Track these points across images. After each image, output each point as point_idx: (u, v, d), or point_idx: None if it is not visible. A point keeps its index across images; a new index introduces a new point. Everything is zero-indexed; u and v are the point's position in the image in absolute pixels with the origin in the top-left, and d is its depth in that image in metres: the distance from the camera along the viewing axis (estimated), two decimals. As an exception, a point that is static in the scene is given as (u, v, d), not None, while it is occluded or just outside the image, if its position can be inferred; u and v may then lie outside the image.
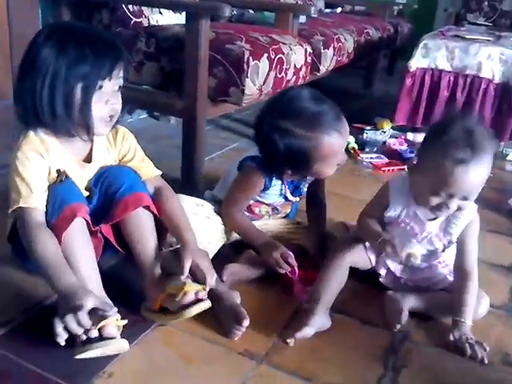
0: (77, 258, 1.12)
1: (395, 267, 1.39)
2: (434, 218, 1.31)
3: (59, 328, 1.01)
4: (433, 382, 1.14)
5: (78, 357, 1.04)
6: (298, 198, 1.54)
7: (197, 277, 1.21)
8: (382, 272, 1.40)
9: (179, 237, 1.26)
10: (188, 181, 1.90)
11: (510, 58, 2.58)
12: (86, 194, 1.27)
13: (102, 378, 1.06)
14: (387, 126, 2.82)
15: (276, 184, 1.45)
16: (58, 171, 1.20)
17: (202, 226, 1.40)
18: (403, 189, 1.32)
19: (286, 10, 2.41)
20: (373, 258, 1.39)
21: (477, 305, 1.29)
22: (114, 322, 1.08)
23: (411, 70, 2.69)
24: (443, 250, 1.35)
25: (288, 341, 1.18)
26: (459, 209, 1.23)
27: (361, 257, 1.37)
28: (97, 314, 1.03)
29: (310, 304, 1.25)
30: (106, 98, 1.15)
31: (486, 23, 4.43)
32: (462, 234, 1.31)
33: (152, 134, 2.55)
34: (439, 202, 1.21)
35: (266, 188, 1.44)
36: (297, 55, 2.12)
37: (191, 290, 1.17)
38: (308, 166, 1.33)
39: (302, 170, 1.37)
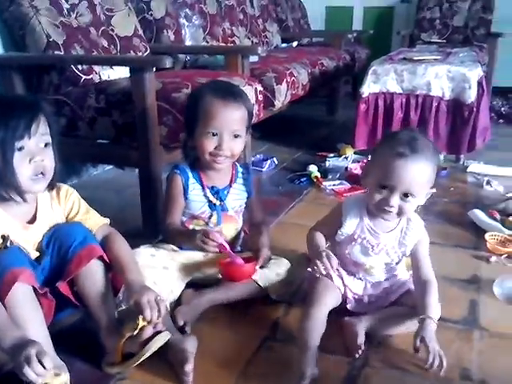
0: (23, 322, 1.13)
1: (358, 287, 1.43)
2: (390, 231, 1.37)
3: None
4: (393, 405, 1.15)
5: None
6: (219, 202, 1.57)
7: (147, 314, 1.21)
8: (350, 296, 1.42)
9: (125, 278, 1.29)
10: (149, 226, 1.91)
11: (457, 75, 2.66)
12: (35, 255, 1.29)
13: None
14: (349, 151, 2.87)
15: (196, 188, 1.55)
16: (3, 237, 1.21)
17: (161, 278, 1.43)
18: (357, 205, 1.40)
19: (235, 52, 2.49)
20: (341, 287, 1.41)
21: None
22: (58, 381, 1.09)
23: (364, 96, 2.77)
24: (397, 263, 1.42)
25: None
26: (400, 210, 1.29)
27: (335, 295, 1.39)
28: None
29: (299, 354, 1.23)
30: (30, 157, 1.19)
31: (440, 40, 4.58)
32: (414, 249, 1.39)
33: (117, 184, 2.55)
34: (381, 198, 1.29)
35: (186, 191, 1.54)
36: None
37: (147, 324, 1.19)
38: (194, 129, 1.49)
39: (192, 134, 1.50)
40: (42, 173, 1.22)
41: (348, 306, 1.42)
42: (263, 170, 2.77)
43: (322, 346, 1.28)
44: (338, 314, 1.39)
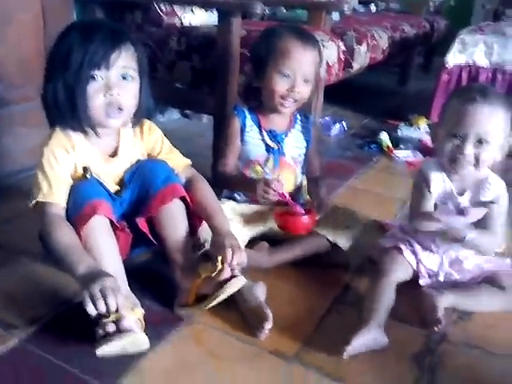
0: (98, 254, 1.12)
1: (433, 262, 1.36)
2: (463, 193, 1.31)
3: (89, 303, 1.02)
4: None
5: (98, 353, 1.02)
6: (277, 146, 1.52)
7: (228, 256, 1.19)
8: (423, 271, 1.36)
9: (211, 223, 1.27)
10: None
11: (551, 52, 2.49)
12: (115, 188, 1.28)
13: (131, 376, 1.05)
14: (423, 122, 2.75)
15: (253, 130, 1.52)
16: (84, 168, 1.21)
17: None
18: (435, 164, 1.34)
19: (319, 7, 2.38)
20: (413, 262, 1.36)
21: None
22: (133, 315, 1.08)
23: (447, 66, 2.62)
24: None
25: (345, 353, 1.10)
26: (477, 160, 1.24)
27: (404, 269, 1.34)
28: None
29: (361, 320, 1.19)
30: (105, 89, 1.13)
31: (527, 18, 4.30)
32: (489, 207, 1.30)
33: (184, 133, 2.55)
34: (454, 147, 1.24)
35: (242, 133, 1.51)
36: (329, 51, 2.09)
37: (227, 267, 1.17)
38: (264, 68, 1.44)
39: (261, 73, 1.45)
40: (119, 108, 1.16)
41: (420, 282, 1.36)
42: (331, 134, 2.69)
43: (397, 316, 1.25)
44: (416, 286, 1.34)
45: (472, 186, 1.31)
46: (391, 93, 3.78)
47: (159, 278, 1.33)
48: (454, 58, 2.62)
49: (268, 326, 1.15)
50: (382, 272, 1.30)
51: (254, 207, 1.53)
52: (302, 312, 1.28)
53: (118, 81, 1.15)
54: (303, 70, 1.43)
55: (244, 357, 1.13)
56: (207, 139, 2.01)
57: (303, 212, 1.41)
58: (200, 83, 1.90)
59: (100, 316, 1.04)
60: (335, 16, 2.59)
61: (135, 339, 1.04)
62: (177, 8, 2.08)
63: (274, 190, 1.38)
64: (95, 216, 1.12)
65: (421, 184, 1.34)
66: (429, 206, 1.32)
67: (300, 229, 1.41)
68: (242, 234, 1.45)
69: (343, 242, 1.46)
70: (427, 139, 2.55)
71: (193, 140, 2.44)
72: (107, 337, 1.02)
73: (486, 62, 2.59)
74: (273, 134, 1.53)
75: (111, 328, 1.03)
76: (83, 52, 1.09)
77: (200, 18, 2.18)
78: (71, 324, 1.15)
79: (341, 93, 3.15)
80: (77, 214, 1.13)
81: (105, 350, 1.02)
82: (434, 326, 1.21)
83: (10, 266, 1.38)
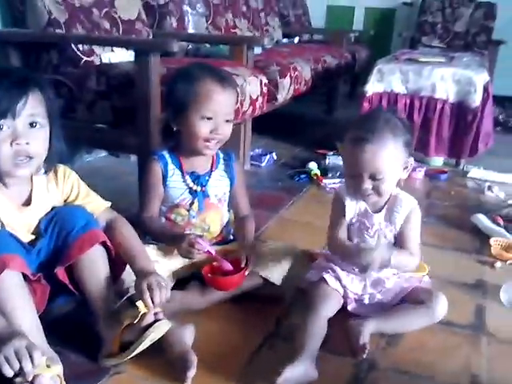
0: (10, 311, 1.06)
1: (357, 286, 1.39)
2: (379, 211, 1.37)
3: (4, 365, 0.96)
4: (401, 410, 1.11)
5: None
6: (200, 188, 1.51)
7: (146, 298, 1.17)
8: (351, 296, 1.38)
9: (133, 267, 1.24)
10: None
11: (463, 78, 2.63)
12: (30, 238, 1.22)
13: None
14: (349, 150, 2.82)
15: (175, 174, 1.50)
16: None
17: None
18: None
19: (240, 42, 2.43)
20: (340, 289, 1.37)
21: (434, 304, 1.31)
22: (49, 372, 1.02)
23: (367, 95, 2.72)
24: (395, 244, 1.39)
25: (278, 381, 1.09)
26: (377, 192, 1.30)
27: (332, 301, 1.35)
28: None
29: (293, 353, 1.18)
30: (12, 139, 1.09)
31: (441, 45, 4.56)
32: (402, 226, 1.37)
33: (112, 171, 2.51)
34: (354, 185, 1.31)
35: (165, 178, 1.49)
36: (251, 86, 2.12)
37: (149, 311, 1.15)
38: (184, 113, 1.42)
39: (180, 118, 1.43)
40: (28, 156, 1.12)
41: (349, 308, 1.38)
42: (262, 165, 2.72)
43: (327, 347, 1.25)
44: (344, 315, 1.34)
45: (386, 205, 1.38)
46: (320, 122, 3.87)
47: (83, 329, 1.27)
48: (373, 86, 2.72)
49: (191, 373, 1.12)
50: (311, 307, 1.30)
51: None
52: (233, 349, 1.26)
53: (25, 129, 1.11)
54: (224, 111, 1.43)
55: (171, 405, 1.09)
56: (135, 177, 1.98)
57: (231, 268, 1.40)
58: (122, 123, 1.87)
59: (17, 376, 0.98)
60: (257, 50, 2.63)
61: None
62: (95, 47, 2.05)
63: (199, 250, 1.37)
64: (6, 271, 1.06)
65: (337, 208, 1.42)
66: (342, 229, 1.40)
67: (229, 288, 1.40)
68: (170, 264, 1.44)
69: (275, 276, 1.45)
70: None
71: (120, 178, 2.39)
72: None
73: (402, 89, 2.71)
74: (196, 177, 1.51)
75: None
76: None
77: (121, 56, 2.15)
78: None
79: (271, 124, 3.20)
80: None
81: None
82: (360, 354, 1.21)
83: None
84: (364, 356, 1.21)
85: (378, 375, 1.19)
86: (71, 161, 2.56)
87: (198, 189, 1.51)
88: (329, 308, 1.32)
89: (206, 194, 1.52)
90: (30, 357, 0.96)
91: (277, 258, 1.49)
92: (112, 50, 2.14)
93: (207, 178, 1.53)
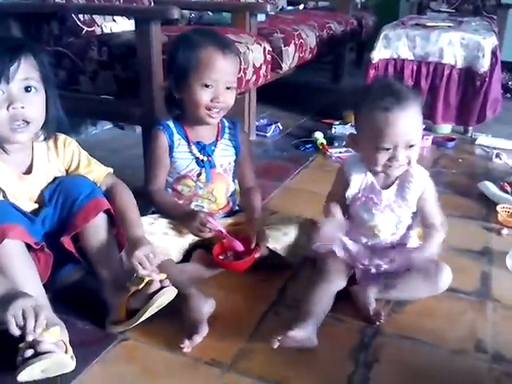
0: (14, 279, 1.07)
1: (363, 256, 1.37)
2: (388, 187, 1.33)
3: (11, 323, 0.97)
4: (405, 375, 1.11)
5: (20, 378, 0.98)
6: (207, 158, 1.49)
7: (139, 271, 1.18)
8: (358, 267, 1.37)
9: (126, 233, 1.24)
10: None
11: (470, 43, 2.58)
12: (33, 207, 1.23)
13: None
14: (355, 119, 2.80)
15: (181, 144, 1.48)
16: None
17: (161, 243, 1.36)
18: (358, 162, 1.35)
19: (242, 9, 2.38)
20: (348, 260, 1.36)
21: (438, 276, 1.30)
22: (52, 337, 1.04)
23: (374, 62, 2.68)
24: (408, 228, 1.37)
25: (275, 342, 1.10)
26: (409, 161, 1.26)
27: (342, 274, 1.33)
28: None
29: (299, 315, 1.19)
30: (7, 103, 1.10)
31: (449, 10, 4.46)
32: (419, 203, 1.33)
33: (117, 144, 2.50)
34: (387, 158, 1.24)
35: (171, 149, 1.47)
36: (255, 54, 2.09)
37: (155, 278, 1.16)
38: (185, 80, 1.39)
39: (182, 85, 1.41)
40: (24, 121, 1.13)
41: (356, 277, 1.37)
42: (267, 135, 2.70)
43: (332, 314, 1.26)
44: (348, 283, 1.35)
45: (397, 181, 1.33)
46: (326, 90, 3.82)
47: (90, 297, 1.28)
48: (379, 53, 2.68)
49: (196, 339, 1.14)
50: (321, 279, 1.30)
51: None
52: (239, 316, 1.28)
53: (20, 93, 1.12)
54: (225, 78, 1.40)
55: (179, 370, 1.11)
56: (140, 150, 1.97)
57: (242, 248, 1.40)
58: (125, 93, 1.85)
59: (23, 339, 1.00)
60: (260, 17, 2.58)
61: (56, 360, 1.00)
62: (96, 17, 2.03)
63: (210, 229, 1.37)
64: (6, 240, 1.07)
65: (338, 181, 1.40)
66: (334, 203, 1.35)
67: (240, 270, 1.40)
68: (179, 241, 1.43)
69: (281, 247, 1.45)
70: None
71: (126, 151, 2.39)
72: (25, 362, 0.98)
73: (409, 55, 2.66)
74: (202, 146, 1.49)
75: (29, 353, 0.99)
76: None
77: (122, 25, 2.13)
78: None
79: (276, 94, 3.18)
80: None
81: (24, 375, 0.98)
82: (375, 321, 1.23)
83: None
84: (378, 323, 1.23)
85: (384, 341, 1.20)
86: (76, 132, 2.56)
87: (205, 159, 1.49)
88: (339, 282, 1.32)
89: (212, 164, 1.51)
90: (36, 317, 0.98)
91: (283, 228, 1.48)
92: (113, 20, 2.12)
93: (213, 147, 1.51)
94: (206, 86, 1.39)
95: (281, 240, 1.46)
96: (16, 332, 0.98)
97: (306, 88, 3.85)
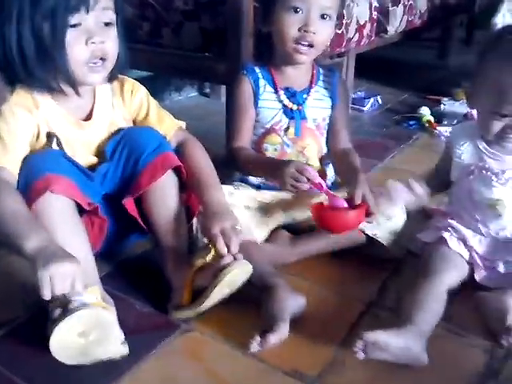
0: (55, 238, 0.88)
1: (485, 246, 1.12)
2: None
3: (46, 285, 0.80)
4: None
5: (52, 348, 0.81)
6: (297, 107, 1.26)
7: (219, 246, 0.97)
8: (478, 261, 1.11)
9: (200, 197, 1.05)
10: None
11: None
12: (92, 160, 1.06)
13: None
14: (468, 95, 2.46)
15: (267, 91, 1.26)
16: (48, 135, 0.98)
17: (242, 218, 1.12)
18: (467, 130, 1.17)
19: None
20: (464, 253, 1.10)
21: None
22: (90, 294, 0.86)
23: (496, 28, 2.32)
24: None
25: (356, 346, 0.87)
26: None
27: (457, 267, 1.09)
28: None
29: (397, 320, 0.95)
30: (86, 37, 0.93)
31: None
32: None
33: (202, 111, 2.38)
34: (503, 126, 1.04)
35: (256, 96, 1.26)
36: (360, 8, 1.83)
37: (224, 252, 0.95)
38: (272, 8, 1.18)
39: (269, 15, 1.19)
40: (101, 58, 0.96)
41: (476, 277, 1.10)
42: (364, 109, 2.44)
43: (449, 324, 0.99)
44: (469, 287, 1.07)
45: None
46: (431, 67, 3.48)
47: (154, 275, 1.10)
48: (504, 18, 2.33)
49: (271, 339, 0.90)
50: (427, 275, 1.05)
51: (274, 194, 1.26)
52: (329, 319, 1.03)
53: (99, 26, 0.95)
54: (319, 1, 1.15)
55: (250, 377, 0.88)
56: (225, 117, 1.80)
57: (346, 206, 1.13)
58: (211, 46, 1.67)
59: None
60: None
61: (95, 315, 0.82)
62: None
63: (308, 180, 1.11)
64: (48, 194, 0.89)
65: (445, 156, 1.22)
66: (431, 177, 1.23)
67: (348, 227, 1.12)
68: (261, 230, 1.21)
69: (384, 235, 1.19)
70: (474, 113, 2.27)
71: (209, 118, 2.23)
72: (54, 322, 0.80)
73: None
74: (291, 93, 1.26)
75: (57, 312, 0.81)
76: None
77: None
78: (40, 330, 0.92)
79: (376, 67, 2.90)
80: (26, 192, 0.91)
81: (56, 337, 0.79)
82: (503, 339, 0.94)
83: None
84: (507, 342, 0.94)
85: (518, 367, 0.92)
86: (159, 98, 2.44)
87: (295, 107, 1.26)
88: (451, 277, 1.05)
89: (302, 115, 1.27)
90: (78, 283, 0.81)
91: (387, 213, 1.21)
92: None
93: (305, 95, 1.27)
94: (295, 10, 1.15)
95: (383, 225, 1.19)
96: (48, 296, 0.81)
97: (409, 65, 3.53)
